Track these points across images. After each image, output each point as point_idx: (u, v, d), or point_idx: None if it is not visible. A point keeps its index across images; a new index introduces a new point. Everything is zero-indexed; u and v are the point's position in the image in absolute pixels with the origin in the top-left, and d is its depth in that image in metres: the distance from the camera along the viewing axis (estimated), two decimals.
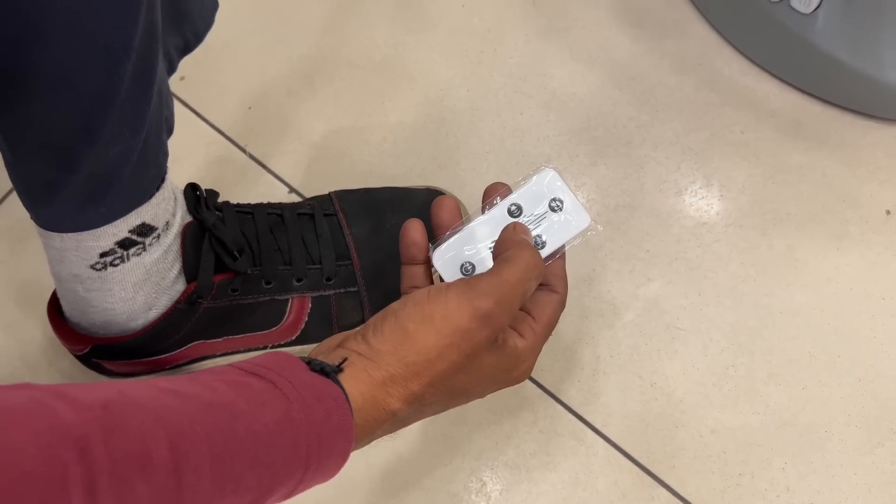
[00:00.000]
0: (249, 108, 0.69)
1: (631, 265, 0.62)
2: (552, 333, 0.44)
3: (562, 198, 0.44)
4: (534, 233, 0.44)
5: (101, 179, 0.44)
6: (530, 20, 0.71)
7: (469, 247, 0.44)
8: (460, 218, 0.46)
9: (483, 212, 0.45)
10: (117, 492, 0.25)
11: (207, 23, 0.51)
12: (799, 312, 0.60)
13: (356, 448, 0.37)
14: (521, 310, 0.42)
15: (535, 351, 0.43)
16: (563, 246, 0.44)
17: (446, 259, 0.44)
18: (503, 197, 0.45)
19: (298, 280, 0.57)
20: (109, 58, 0.38)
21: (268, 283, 0.57)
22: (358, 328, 0.40)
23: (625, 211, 0.64)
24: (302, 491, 0.35)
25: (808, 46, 0.62)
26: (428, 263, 0.45)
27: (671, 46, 0.69)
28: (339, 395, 0.35)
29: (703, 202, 0.64)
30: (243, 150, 0.68)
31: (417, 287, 0.44)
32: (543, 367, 0.59)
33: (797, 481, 0.56)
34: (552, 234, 0.44)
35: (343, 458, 0.36)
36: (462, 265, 0.44)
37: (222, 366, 0.35)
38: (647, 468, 0.56)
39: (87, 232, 0.48)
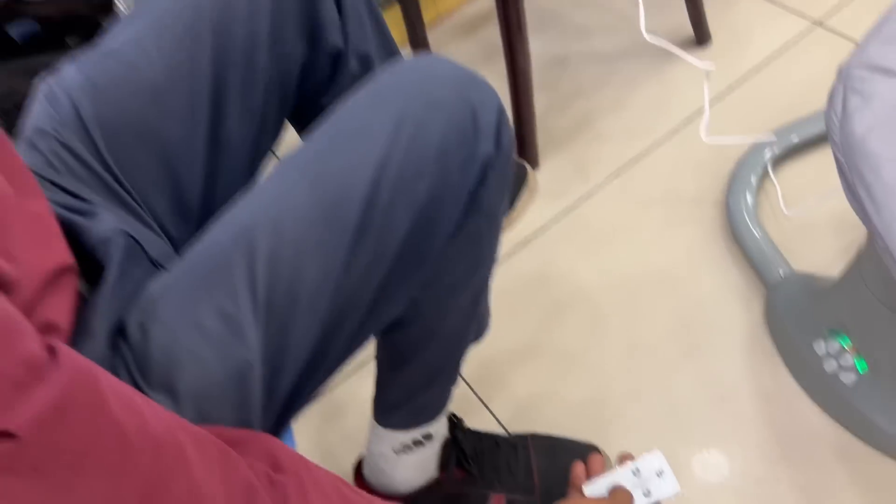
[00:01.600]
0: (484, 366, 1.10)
1: None
2: None
3: (664, 470, 0.68)
4: (643, 487, 0.67)
5: (422, 407, 0.83)
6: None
7: (607, 486, 0.69)
8: (604, 467, 0.71)
9: (616, 467, 0.70)
10: None
11: (487, 329, 0.92)
12: None
13: None
14: None
15: None
16: (660, 499, 0.67)
17: (592, 490, 0.69)
18: (631, 460, 0.70)
19: (499, 483, 0.94)
20: (451, 353, 0.78)
21: (481, 483, 0.93)
22: None
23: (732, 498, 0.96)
24: None
25: (851, 406, 0.94)
26: (579, 490, 0.70)
27: (767, 382, 1.03)
28: None
29: (773, 490, 0.94)
30: (469, 386, 1.08)
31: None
32: None
33: None
34: (654, 490, 0.67)
35: None
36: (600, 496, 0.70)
37: None
38: None
39: (401, 431, 0.87)
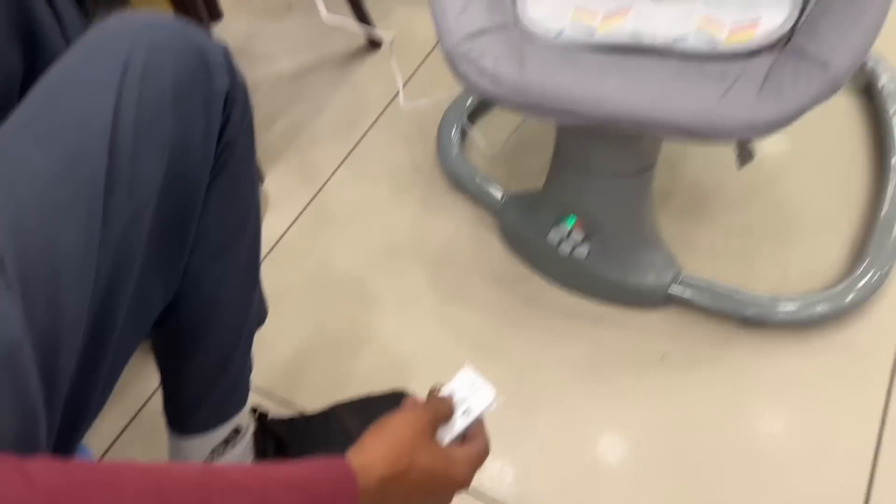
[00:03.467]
0: (270, 367, 1.08)
1: (523, 416, 1.01)
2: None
3: (475, 382, 0.66)
4: (462, 407, 0.65)
5: (224, 396, 0.80)
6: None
7: None
8: None
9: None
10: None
11: (266, 313, 0.90)
12: (628, 426, 1.00)
13: None
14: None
15: (469, 465, 0.61)
16: (480, 413, 0.65)
17: None
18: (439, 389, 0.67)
19: None
20: (239, 324, 0.77)
21: None
22: None
23: (515, 383, 1.04)
24: None
25: (591, 275, 1.09)
26: None
27: (521, 289, 1.15)
28: (343, 461, 0.54)
29: (556, 371, 1.05)
30: (267, 392, 1.05)
31: None
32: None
33: None
34: (473, 405, 0.65)
35: (354, 500, 0.52)
36: None
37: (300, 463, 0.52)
38: None
39: (207, 434, 0.82)
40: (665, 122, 0.80)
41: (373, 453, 0.56)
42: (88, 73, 0.56)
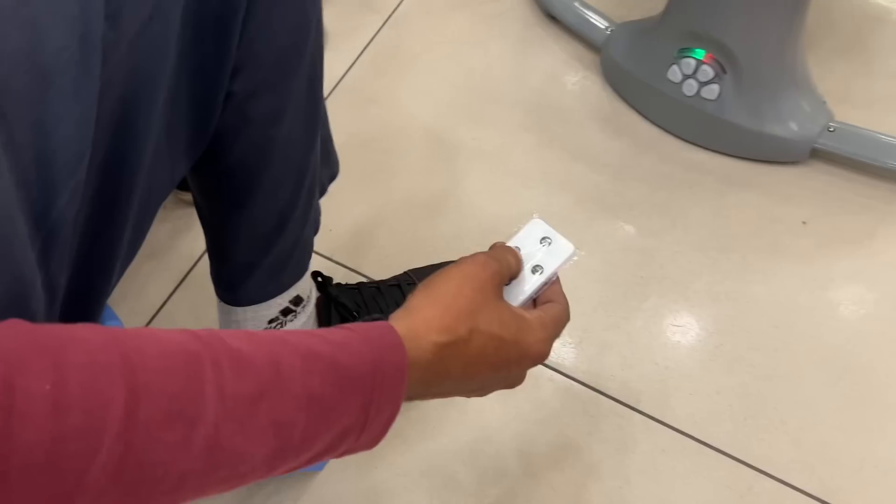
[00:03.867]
0: (331, 230, 0.94)
1: (629, 288, 0.85)
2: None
3: (549, 236, 0.54)
4: (532, 263, 0.53)
5: (281, 261, 0.66)
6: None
7: None
8: None
9: None
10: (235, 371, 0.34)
11: (338, 165, 0.75)
12: (757, 300, 0.83)
13: (410, 391, 0.42)
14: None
15: (545, 331, 0.49)
16: (555, 270, 0.53)
17: None
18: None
19: None
20: (299, 174, 0.62)
21: None
22: None
23: (619, 253, 0.87)
24: (375, 414, 0.39)
25: (719, 121, 0.89)
26: None
27: (630, 140, 0.96)
28: (385, 324, 0.43)
29: (672, 238, 0.88)
30: (329, 259, 0.92)
31: None
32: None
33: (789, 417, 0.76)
34: (546, 262, 0.53)
35: (402, 377, 0.41)
36: None
37: (336, 328, 0.41)
38: (675, 427, 0.76)
39: (264, 303, 0.69)
40: None
41: (425, 315, 0.44)
42: None
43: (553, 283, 0.54)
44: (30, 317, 0.40)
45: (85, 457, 0.29)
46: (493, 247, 0.53)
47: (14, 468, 0.27)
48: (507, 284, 0.52)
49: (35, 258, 0.39)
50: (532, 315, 0.49)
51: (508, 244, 0.54)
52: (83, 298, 0.46)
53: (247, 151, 0.57)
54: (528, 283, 0.52)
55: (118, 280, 0.49)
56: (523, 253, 0.53)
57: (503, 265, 0.50)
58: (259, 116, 0.56)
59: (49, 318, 0.42)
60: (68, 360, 0.30)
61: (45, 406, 0.28)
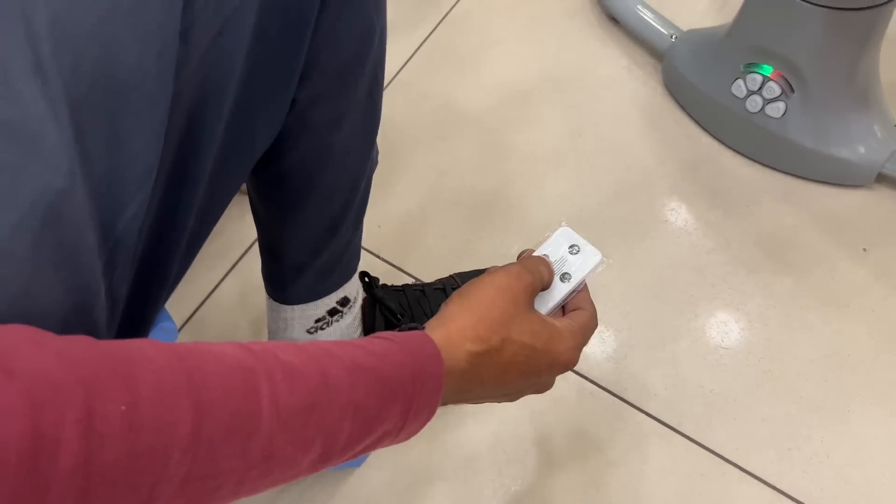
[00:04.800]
0: (379, 226, 0.94)
1: (678, 306, 0.83)
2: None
3: (577, 244, 0.55)
4: (561, 271, 0.54)
5: (331, 263, 0.67)
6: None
7: None
8: None
9: None
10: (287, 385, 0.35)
11: (377, 157, 0.75)
12: (810, 327, 0.81)
13: (445, 398, 0.43)
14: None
15: (574, 339, 0.50)
16: (583, 278, 0.54)
17: None
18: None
19: None
20: (354, 180, 0.62)
21: None
22: None
23: (669, 269, 0.86)
24: (413, 419, 0.41)
25: (782, 139, 0.86)
26: None
27: (687, 152, 0.94)
28: (423, 334, 0.44)
29: (725, 258, 0.86)
30: (376, 256, 0.92)
31: None
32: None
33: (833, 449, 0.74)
34: (574, 270, 0.54)
35: (439, 385, 0.43)
36: None
37: (379, 336, 0.43)
38: (716, 452, 0.75)
39: (312, 303, 0.70)
40: None
41: (459, 325, 0.46)
42: None
43: (581, 291, 0.55)
44: (93, 325, 0.41)
45: (156, 471, 0.30)
46: (524, 257, 0.54)
47: (95, 485, 0.28)
48: (539, 294, 0.52)
49: (101, 268, 0.40)
50: (562, 324, 0.51)
51: (537, 252, 0.55)
52: (140, 305, 0.46)
53: (305, 156, 0.58)
54: (558, 291, 0.53)
55: (175, 286, 0.50)
56: (552, 260, 0.54)
57: (536, 277, 0.50)
58: (319, 123, 0.56)
59: (109, 326, 0.42)
60: (139, 380, 0.31)
61: (121, 427, 0.29)
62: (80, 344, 0.31)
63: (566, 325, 0.51)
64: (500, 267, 0.50)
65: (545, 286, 0.53)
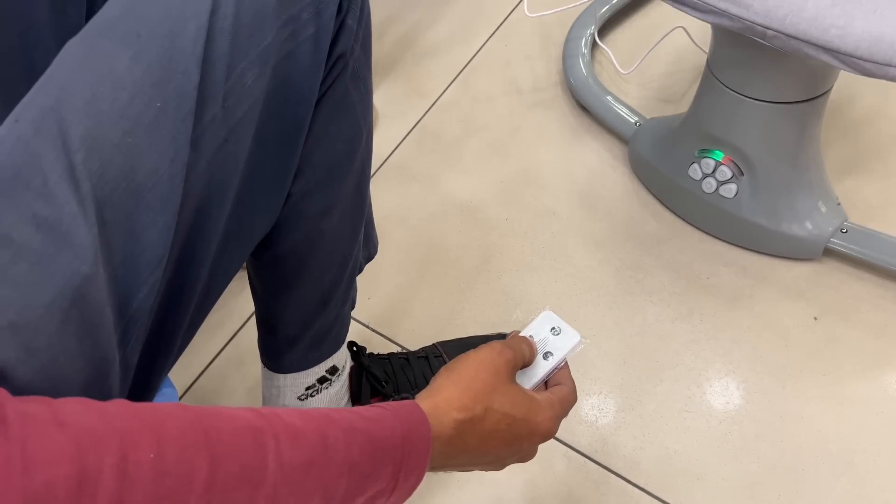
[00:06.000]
0: (368, 297, 1.01)
1: (644, 372, 0.90)
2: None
3: (558, 326, 0.61)
4: (543, 350, 0.60)
5: (321, 335, 0.73)
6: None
7: None
8: None
9: None
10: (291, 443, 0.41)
11: (377, 247, 0.83)
12: (766, 391, 0.87)
13: (433, 462, 0.48)
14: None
15: (552, 410, 0.55)
16: (564, 357, 0.60)
17: None
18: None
19: None
20: (343, 261, 0.69)
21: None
22: None
23: (637, 337, 0.93)
24: (403, 480, 0.45)
25: (737, 217, 0.94)
26: None
27: (652, 228, 1.02)
28: (413, 403, 0.49)
29: (688, 326, 0.93)
30: (367, 326, 0.99)
31: None
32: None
33: None
34: (556, 349, 0.60)
35: (427, 448, 0.47)
36: None
37: (373, 406, 0.48)
38: None
39: (303, 372, 0.76)
40: (833, 47, 0.65)
41: (446, 395, 0.51)
42: None
43: (562, 368, 0.60)
44: (108, 390, 0.47)
45: None
46: (509, 337, 0.60)
47: None
48: (521, 369, 0.58)
49: (116, 341, 0.47)
50: (541, 396, 0.56)
51: (522, 333, 0.61)
52: (148, 373, 0.53)
53: (298, 241, 0.65)
54: (540, 368, 0.59)
55: (179, 356, 0.57)
56: (536, 341, 0.60)
57: (517, 354, 0.56)
58: (312, 212, 0.63)
59: (121, 391, 0.49)
60: (165, 434, 0.37)
61: (149, 472, 0.35)
62: (118, 404, 0.38)
63: (545, 397, 0.56)
64: (486, 344, 0.56)
65: (527, 362, 0.58)
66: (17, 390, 0.44)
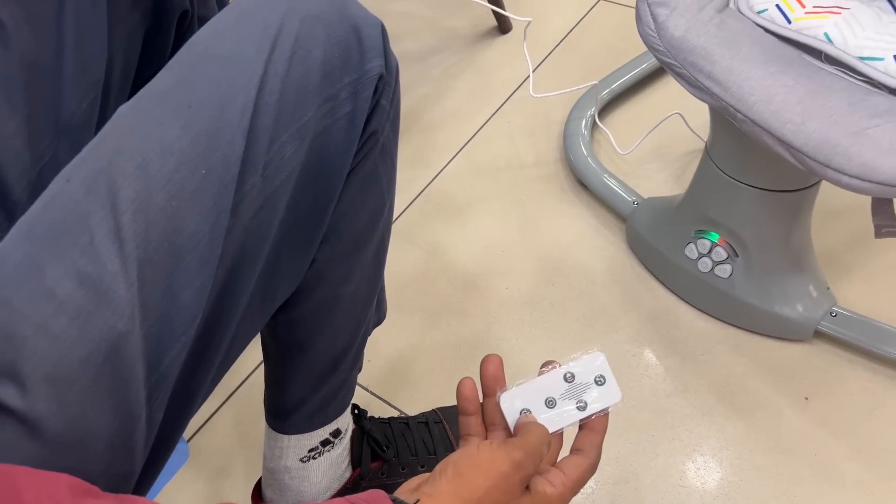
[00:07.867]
0: (369, 360, 1.02)
1: (640, 445, 0.91)
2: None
3: (605, 376, 0.54)
4: (580, 398, 0.53)
5: (329, 398, 0.74)
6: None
7: (528, 396, 0.54)
8: (503, 371, 0.56)
9: (540, 374, 0.55)
10: None
11: (386, 312, 0.84)
12: (759, 468, 0.88)
13: None
14: (555, 466, 0.52)
15: (562, 500, 0.50)
16: (596, 413, 0.53)
17: (511, 402, 0.54)
18: (558, 366, 0.55)
19: (422, 466, 0.86)
20: (357, 325, 0.71)
21: (402, 468, 0.85)
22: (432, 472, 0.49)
23: (633, 410, 0.94)
24: None
25: (731, 297, 0.98)
26: (478, 415, 0.56)
27: (648, 304, 1.05)
28: (382, 495, 0.45)
29: (683, 401, 0.95)
30: (366, 389, 1.00)
31: (471, 434, 0.55)
32: None
33: None
34: (592, 401, 0.53)
35: None
36: (521, 409, 0.53)
37: (337, 499, 0.45)
38: None
39: (307, 434, 0.77)
40: (786, 140, 0.70)
41: None
42: (236, 43, 0.51)
43: (595, 431, 0.53)
44: (133, 445, 0.48)
45: None
46: (528, 425, 0.52)
47: None
48: (550, 408, 0.53)
49: (145, 397, 0.48)
50: (556, 483, 0.50)
51: (564, 366, 0.55)
52: (170, 429, 0.54)
53: (317, 305, 0.67)
54: (566, 417, 0.53)
55: (196, 411, 0.58)
56: (576, 383, 0.54)
57: (536, 464, 0.50)
58: (333, 278, 0.65)
59: (146, 446, 0.50)
60: None
61: None
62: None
63: (559, 494, 0.50)
64: (503, 445, 0.49)
65: (541, 464, 0.51)
66: (47, 443, 0.45)
